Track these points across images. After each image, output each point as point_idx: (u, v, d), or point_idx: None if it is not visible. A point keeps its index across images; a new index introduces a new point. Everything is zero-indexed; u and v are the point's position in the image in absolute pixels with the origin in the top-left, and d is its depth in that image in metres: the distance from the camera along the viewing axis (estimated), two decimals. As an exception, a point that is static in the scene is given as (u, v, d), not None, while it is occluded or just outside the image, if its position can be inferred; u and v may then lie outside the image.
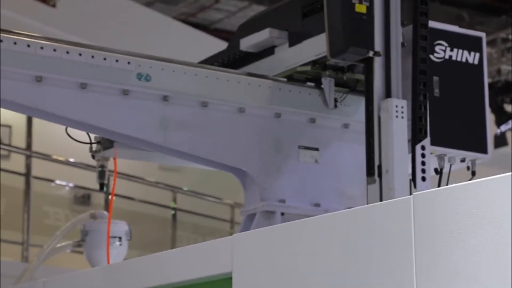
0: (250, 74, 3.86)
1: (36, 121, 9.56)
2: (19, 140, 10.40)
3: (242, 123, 3.77)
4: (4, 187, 10.17)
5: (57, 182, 10.79)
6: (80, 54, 3.58)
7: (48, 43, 3.55)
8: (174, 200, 11.07)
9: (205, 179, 11.47)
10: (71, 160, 9.93)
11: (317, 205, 3.79)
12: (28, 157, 9.44)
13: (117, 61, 3.62)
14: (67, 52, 3.56)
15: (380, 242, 2.36)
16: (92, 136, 4.05)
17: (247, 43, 3.96)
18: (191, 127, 3.71)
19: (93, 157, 4.12)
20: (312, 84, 3.88)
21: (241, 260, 2.83)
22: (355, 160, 3.85)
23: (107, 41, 9.48)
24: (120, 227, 4.45)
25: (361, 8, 3.45)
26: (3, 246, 9.68)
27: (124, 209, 10.12)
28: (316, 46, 3.70)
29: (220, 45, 4.73)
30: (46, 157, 9.82)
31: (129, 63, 3.64)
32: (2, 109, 3.64)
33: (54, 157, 9.89)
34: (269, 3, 12.38)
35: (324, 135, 3.86)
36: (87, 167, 9.24)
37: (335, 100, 3.84)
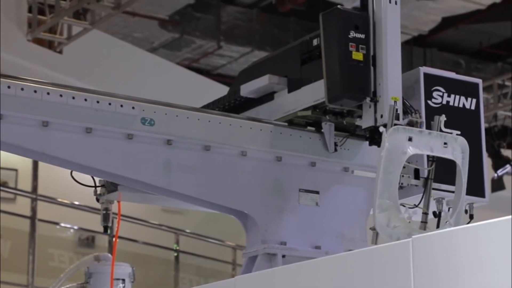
0: (251, 119, 3.86)
1: (41, 165, 9.56)
2: (25, 183, 10.39)
3: (244, 166, 3.77)
4: (9, 230, 10.15)
5: (62, 224, 10.76)
6: (85, 99, 3.59)
7: (54, 88, 3.56)
8: (177, 242, 11.03)
9: (207, 222, 11.45)
10: (76, 203, 9.91)
11: (318, 247, 3.77)
12: (34, 200, 9.44)
13: (121, 106, 3.64)
14: (73, 98, 3.57)
15: (380, 284, 2.35)
16: (97, 179, 4.05)
17: (247, 89, 3.97)
18: (194, 171, 3.71)
19: (98, 200, 4.12)
20: (313, 128, 3.88)
21: (243, 302, 2.81)
22: (355, 202, 3.85)
23: (112, 86, 9.52)
24: (124, 269, 4.42)
25: (358, 56, 3.47)
26: (8, 288, 9.64)
27: (128, 251, 10.09)
28: (314, 92, 3.71)
29: (223, 90, 4.75)
30: (51, 200, 9.81)
31: (133, 108, 3.65)
32: (8, 153, 3.64)
33: (59, 200, 9.89)
34: (271, 50, 12.46)
35: (324, 178, 3.86)
36: (91, 210, 9.22)
37: (335, 144, 3.84)
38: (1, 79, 3.48)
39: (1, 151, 3.62)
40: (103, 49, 11.25)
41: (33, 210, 9.37)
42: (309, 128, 3.88)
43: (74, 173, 3.85)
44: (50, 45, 10.81)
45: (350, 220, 3.82)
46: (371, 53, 3.50)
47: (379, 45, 3.51)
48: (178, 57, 13.86)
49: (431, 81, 3.85)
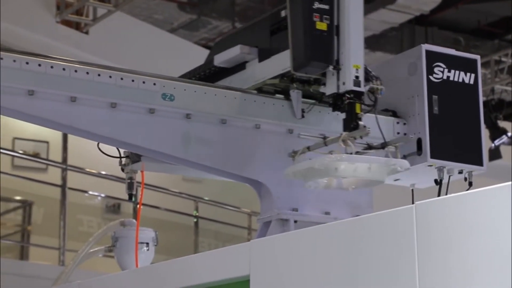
0: (264, 94, 3.82)
1: (70, 137, 9.58)
2: (55, 154, 10.42)
3: (258, 138, 3.76)
4: (42, 198, 10.20)
5: (90, 192, 10.80)
6: (110, 77, 3.57)
7: (81, 66, 3.55)
8: (196, 209, 11.06)
9: (224, 190, 11.46)
10: (103, 172, 9.94)
11: (327, 213, 3.76)
12: (64, 170, 9.46)
13: (143, 82, 3.62)
14: (99, 75, 3.56)
15: (385, 247, 2.34)
16: (122, 150, 4.05)
17: (220, 59, 3.90)
18: (211, 142, 3.69)
19: (123, 170, 4.12)
20: (281, 96, 3.81)
21: (258, 263, 2.81)
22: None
23: (135, 64, 9.49)
24: (147, 233, 4.43)
25: (322, 26, 3.40)
26: (42, 251, 9.70)
27: (151, 217, 10.12)
28: (282, 61, 3.61)
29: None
30: (80, 170, 9.84)
31: (154, 84, 3.64)
32: (40, 126, 3.64)
33: (88, 170, 9.91)
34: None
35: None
36: (117, 179, 9.25)
37: (303, 111, 3.77)
38: (33, 58, 3.47)
39: (34, 125, 3.63)
40: (126, 30, 11.24)
41: (64, 179, 9.40)
42: (277, 95, 3.83)
43: (100, 144, 3.85)
44: (77, 26, 10.80)
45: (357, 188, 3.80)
46: (335, 23, 3.43)
47: (342, 16, 3.42)
48: (195, 37, 13.83)
49: (433, 58, 3.82)
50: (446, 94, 3.80)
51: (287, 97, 3.76)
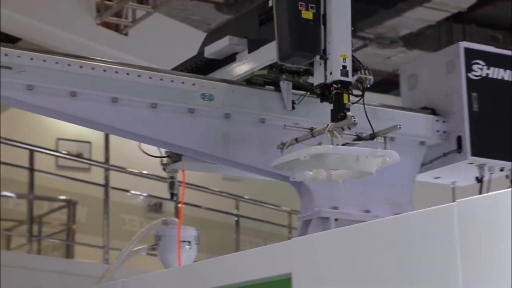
0: (301, 94, 3.78)
1: (112, 138, 9.62)
2: (98, 154, 10.48)
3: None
4: (85, 197, 10.27)
5: (132, 192, 10.85)
6: (150, 77, 3.58)
7: (122, 67, 3.56)
8: (237, 208, 11.06)
9: (264, 188, 11.44)
10: (145, 172, 9.98)
11: (368, 211, 3.73)
12: (106, 170, 9.51)
13: (183, 83, 3.62)
14: (139, 76, 3.56)
15: (426, 245, 2.31)
16: (163, 150, 4.05)
17: (210, 50, 3.84)
18: (250, 141, 3.68)
19: (164, 169, 4.12)
20: (272, 87, 3.74)
21: (299, 262, 2.79)
22: (401, 168, 3.79)
23: (173, 65, 9.50)
24: (190, 232, 4.43)
25: (307, 15, 3.31)
26: (86, 250, 9.77)
27: (192, 216, 10.13)
28: (270, 52, 3.52)
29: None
30: (122, 169, 9.89)
31: (194, 84, 3.63)
32: (82, 127, 3.66)
33: (130, 169, 9.95)
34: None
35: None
36: (158, 178, 9.27)
37: (293, 102, 3.71)
38: (75, 60, 3.49)
39: (76, 125, 3.64)
40: (164, 31, 11.26)
41: (106, 179, 9.44)
42: (267, 87, 3.77)
43: (142, 144, 3.85)
44: (116, 28, 10.85)
45: (397, 186, 3.76)
46: (322, 12, 3.33)
47: (329, 4, 3.33)
48: (234, 37, 13.82)
49: (471, 55, 3.77)
50: (485, 91, 3.75)
51: (278, 88, 3.71)
